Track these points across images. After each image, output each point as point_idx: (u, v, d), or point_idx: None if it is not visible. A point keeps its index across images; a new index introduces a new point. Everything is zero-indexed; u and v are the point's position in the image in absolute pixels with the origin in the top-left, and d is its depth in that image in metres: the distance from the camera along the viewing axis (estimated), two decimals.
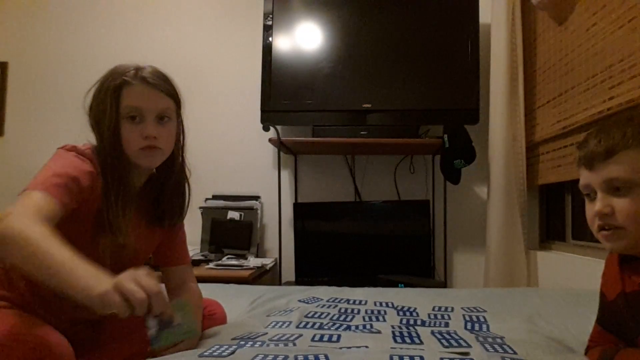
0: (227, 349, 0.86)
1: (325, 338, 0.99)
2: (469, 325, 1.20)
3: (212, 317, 1.21)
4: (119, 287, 0.75)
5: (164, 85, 1.09)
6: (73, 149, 1.03)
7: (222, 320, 1.25)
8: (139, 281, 0.76)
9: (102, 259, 0.96)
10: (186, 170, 1.19)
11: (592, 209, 0.82)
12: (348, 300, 1.46)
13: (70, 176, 0.94)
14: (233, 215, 2.62)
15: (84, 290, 0.75)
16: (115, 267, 0.96)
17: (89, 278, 0.76)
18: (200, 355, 0.85)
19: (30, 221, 0.82)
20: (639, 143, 0.78)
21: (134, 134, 1.04)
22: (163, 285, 0.94)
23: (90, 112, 1.09)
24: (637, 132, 0.78)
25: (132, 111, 1.04)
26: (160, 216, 1.15)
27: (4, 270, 1.02)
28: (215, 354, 0.84)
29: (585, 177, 0.83)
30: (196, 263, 2.31)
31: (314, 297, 1.52)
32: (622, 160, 0.78)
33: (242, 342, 0.94)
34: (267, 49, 2.52)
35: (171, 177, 1.15)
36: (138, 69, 1.07)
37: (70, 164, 0.98)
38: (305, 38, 2.53)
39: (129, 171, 1.06)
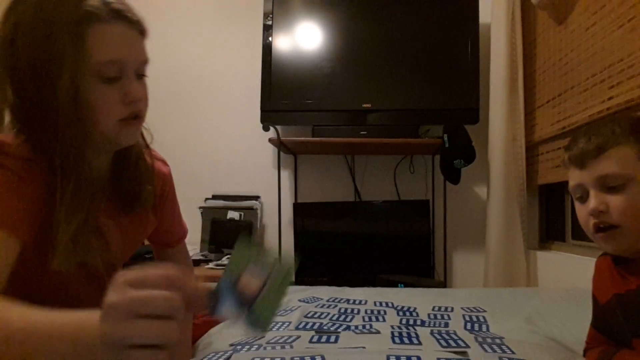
0: (222, 355, 0.85)
1: (323, 339, 0.99)
2: (468, 326, 1.20)
3: (210, 321, 1.17)
4: (121, 308, 0.43)
5: (143, 24, 0.77)
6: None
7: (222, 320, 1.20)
8: (137, 282, 0.44)
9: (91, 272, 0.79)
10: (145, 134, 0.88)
11: (584, 209, 0.82)
12: (348, 300, 1.46)
13: (17, 197, 0.67)
14: (233, 215, 2.62)
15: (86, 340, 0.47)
16: (108, 267, 0.83)
17: (75, 326, 0.48)
18: None
19: None
20: (628, 139, 0.78)
21: (111, 99, 0.71)
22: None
23: (17, 67, 0.67)
24: (625, 129, 0.79)
25: (111, 67, 0.70)
26: (131, 199, 0.87)
27: None
28: None
29: (577, 177, 0.83)
30: (196, 263, 2.31)
31: (314, 297, 1.52)
32: (614, 156, 0.78)
33: (239, 347, 0.94)
34: (267, 48, 2.51)
35: (133, 150, 0.85)
36: None
37: (8, 178, 0.66)
38: (305, 38, 2.53)
39: (88, 159, 0.73)
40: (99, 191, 0.79)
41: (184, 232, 1.13)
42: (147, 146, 0.89)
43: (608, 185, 0.79)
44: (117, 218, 0.88)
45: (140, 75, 0.76)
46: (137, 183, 0.87)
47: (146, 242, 1.11)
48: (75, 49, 0.66)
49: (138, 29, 0.76)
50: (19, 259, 0.68)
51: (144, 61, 0.76)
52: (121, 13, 0.71)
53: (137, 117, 0.76)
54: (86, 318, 0.46)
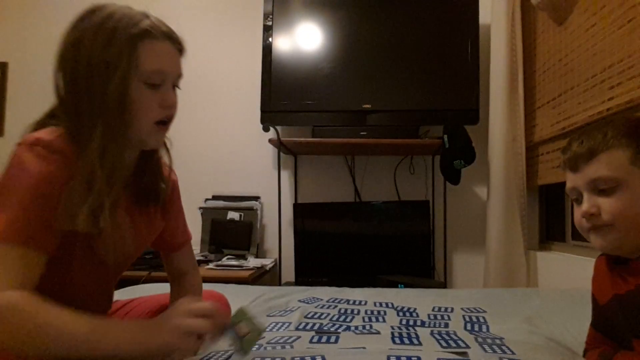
0: (222, 354, 0.85)
1: (324, 339, 0.99)
2: (468, 326, 1.20)
3: None
4: (183, 329, 0.72)
5: (183, 44, 0.90)
6: (37, 142, 0.78)
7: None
8: (193, 312, 0.73)
9: (104, 259, 0.87)
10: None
11: (579, 211, 0.83)
12: (348, 301, 1.47)
13: (41, 205, 0.74)
14: (233, 215, 2.62)
15: (140, 346, 0.71)
16: (117, 264, 0.93)
17: (137, 334, 0.72)
18: None
19: (8, 293, 0.68)
20: (620, 143, 0.79)
21: (152, 102, 0.83)
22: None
23: (79, 68, 0.79)
24: (618, 133, 0.80)
25: (156, 76, 0.82)
26: (148, 197, 0.97)
27: None
28: (212, 359, 0.83)
29: (571, 180, 0.85)
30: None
31: (314, 297, 1.52)
32: (605, 160, 0.79)
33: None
34: (267, 49, 2.52)
35: (155, 153, 0.96)
36: (150, 17, 0.84)
37: (34, 182, 0.75)
38: (305, 38, 2.53)
39: (126, 153, 0.85)
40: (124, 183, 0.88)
41: (188, 237, 1.17)
42: (168, 150, 0.98)
43: (599, 188, 0.80)
44: (133, 215, 0.94)
45: (174, 87, 0.88)
46: (156, 180, 0.97)
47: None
48: (129, 56, 0.79)
49: (179, 48, 0.89)
50: None
51: (180, 75, 0.89)
52: (168, 34, 0.86)
53: (167, 122, 0.87)
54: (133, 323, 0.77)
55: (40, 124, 0.88)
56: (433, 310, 1.38)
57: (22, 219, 0.73)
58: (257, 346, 0.93)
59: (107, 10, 0.82)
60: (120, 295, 1.34)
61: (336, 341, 0.98)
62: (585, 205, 0.81)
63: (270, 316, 1.28)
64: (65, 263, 0.86)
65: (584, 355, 0.95)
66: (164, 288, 1.42)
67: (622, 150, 0.79)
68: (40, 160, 0.77)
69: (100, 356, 0.70)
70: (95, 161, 0.78)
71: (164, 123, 0.87)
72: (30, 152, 0.78)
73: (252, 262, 2.35)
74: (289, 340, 0.98)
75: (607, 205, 0.79)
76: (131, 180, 0.93)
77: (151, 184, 0.97)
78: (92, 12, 0.83)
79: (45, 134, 0.81)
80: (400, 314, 1.32)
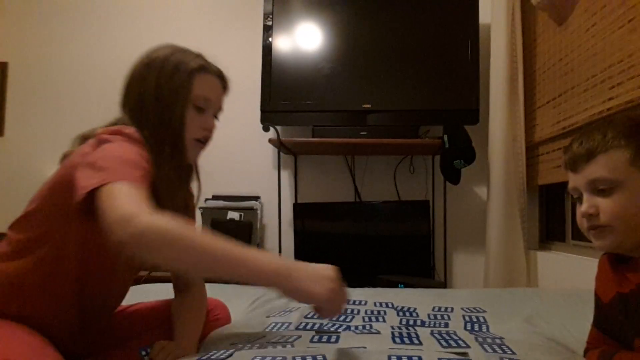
0: (224, 352, 0.85)
1: (324, 339, 0.99)
2: (468, 326, 1.20)
3: (217, 322, 1.19)
4: (340, 289, 0.78)
5: (228, 84, 1.10)
6: (118, 132, 0.92)
7: (226, 323, 1.23)
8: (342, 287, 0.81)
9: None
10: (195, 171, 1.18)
11: (580, 211, 0.84)
12: (348, 301, 1.46)
13: (134, 160, 0.87)
14: (233, 215, 2.62)
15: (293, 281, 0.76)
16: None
17: (281, 264, 0.77)
18: None
19: (152, 215, 0.75)
20: (619, 144, 0.79)
21: (195, 123, 1.01)
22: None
23: (147, 89, 0.98)
24: (617, 134, 0.80)
25: (202, 101, 1.01)
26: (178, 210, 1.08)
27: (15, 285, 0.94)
28: (213, 357, 0.83)
29: (572, 180, 0.86)
30: None
31: None
32: (603, 161, 0.80)
33: (240, 345, 0.94)
34: (267, 49, 2.52)
35: (188, 171, 1.13)
36: (204, 56, 1.06)
37: (131, 151, 0.89)
38: (305, 38, 2.53)
39: (184, 159, 1.01)
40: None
41: None
42: (198, 173, 1.17)
43: (598, 189, 0.81)
44: None
45: (215, 117, 1.07)
46: (189, 196, 1.14)
47: None
48: (189, 84, 0.99)
49: (224, 85, 1.09)
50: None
51: (220, 108, 1.08)
52: (218, 72, 1.06)
53: (204, 142, 1.05)
54: (281, 264, 0.77)
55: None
56: (433, 310, 1.38)
57: (123, 165, 0.84)
58: (257, 345, 0.93)
59: (169, 49, 1.03)
60: None
61: (336, 341, 0.98)
62: (584, 206, 0.82)
63: (270, 317, 1.28)
64: (101, 248, 0.92)
65: (584, 355, 0.95)
66: (163, 288, 1.42)
67: (621, 151, 0.79)
68: (127, 141, 0.92)
69: (242, 276, 0.76)
70: (161, 158, 0.95)
71: (201, 142, 1.05)
72: (116, 136, 0.91)
73: None
74: (290, 340, 0.98)
75: (605, 206, 0.80)
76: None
77: (183, 199, 1.09)
78: (156, 50, 1.04)
79: (124, 128, 0.94)
80: (400, 313, 1.32)
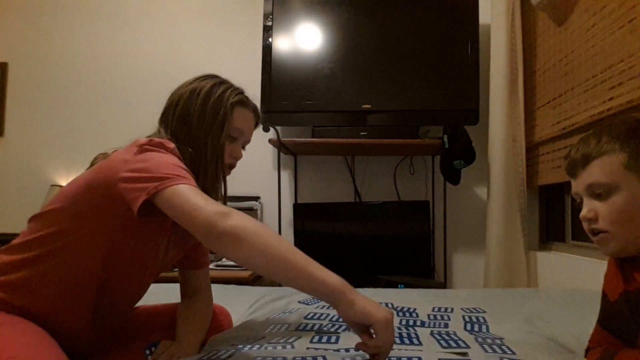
0: (225, 352, 0.85)
1: (324, 339, 0.99)
2: (468, 326, 1.20)
3: (220, 329, 1.19)
4: (390, 319, 0.77)
5: (260, 119, 1.20)
6: (161, 145, 0.97)
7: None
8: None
9: (159, 253, 1.03)
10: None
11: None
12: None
13: (186, 171, 0.93)
14: None
15: (356, 307, 0.77)
16: (160, 264, 1.07)
17: (346, 285, 0.79)
18: None
19: (233, 215, 0.81)
20: (613, 148, 0.80)
21: (228, 150, 1.10)
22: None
23: (192, 113, 1.06)
24: (612, 138, 0.81)
25: (237, 133, 1.10)
26: None
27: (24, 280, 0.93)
28: (213, 357, 0.83)
29: (573, 185, 0.88)
30: None
31: (313, 298, 1.52)
32: (598, 166, 0.82)
33: (241, 346, 0.94)
34: (267, 49, 2.52)
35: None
36: (243, 91, 1.15)
37: (177, 161, 0.94)
38: (305, 39, 2.53)
39: (214, 181, 1.09)
40: None
41: (208, 260, 1.26)
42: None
43: (596, 193, 0.82)
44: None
45: (243, 147, 1.16)
46: None
47: None
48: (229, 116, 1.07)
49: (257, 121, 1.18)
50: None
51: (249, 140, 1.17)
52: (254, 108, 1.16)
53: (232, 167, 1.15)
54: (346, 291, 0.79)
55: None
56: (433, 310, 1.37)
57: (176, 170, 0.90)
58: (257, 346, 0.93)
59: (216, 80, 1.12)
60: None
61: (336, 341, 0.98)
62: (583, 210, 0.84)
63: (270, 318, 1.27)
64: (132, 253, 0.98)
65: (586, 354, 0.95)
66: (165, 288, 1.42)
67: (616, 155, 0.80)
68: (167, 154, 0.96)
69: (310, 289, 0.80)
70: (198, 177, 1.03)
71: (229, 167, 1.14)
72: (157, 148, 0.96)
73: None
74: (290, 340, 0.98)
75: (603, 210, 0.82)
76: None
77: None
78: (204, 78, 1.11)
79: (165, 142, 1.00)
80: (400, 314, 1.32)
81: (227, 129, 1.07)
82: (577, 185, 0.86)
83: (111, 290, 0.99)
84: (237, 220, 0.80)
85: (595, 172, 0.81)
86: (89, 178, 0.95)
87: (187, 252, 1.18)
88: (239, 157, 1.14)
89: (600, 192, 0.82)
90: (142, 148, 0.95)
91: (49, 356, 0.83)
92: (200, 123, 1.05)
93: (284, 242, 0.81)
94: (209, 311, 1.16)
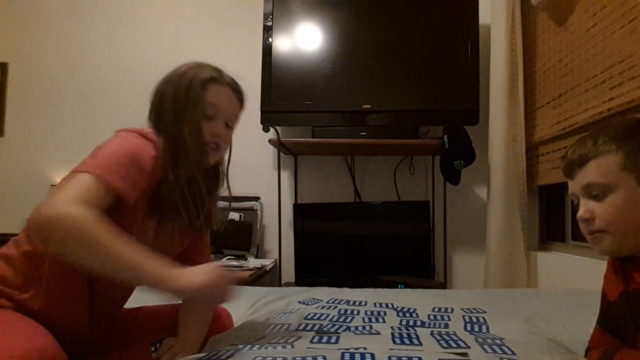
0: (225, 352, 0.85)
1: (324, 339, 0.99)
2: (468, 326, 1.20)
3: (221, 330, 1.19)
4: (220, 277, 0.85)
5: (242, 97, 1.16)
6: (135, 131, 1.00)
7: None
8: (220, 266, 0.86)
9: (146, 238, 1.02)
10: (226, 181, 1.24)
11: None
12: (348, 301, 1.46)
13: (130, 158, 0.92)
14: (233, 216, 2.62)
15: (171, 283, 0.82)
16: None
17: (173, 269, 0.83)
18: None
19: (81, 208, 0.80)
20: (610, 148, 0.81)
21: (205, 129, 1.06)
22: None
23: (165, 100, 1.06)
24: (608, 139, 0.81)
25: (212, 109, 1.06)
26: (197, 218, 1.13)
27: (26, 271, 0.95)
28: (213, 358, 0.83)
29: (570, 186, 0.88)
30: None
31: (313, 299, 1.52)
32: (594, 166, 0.82)
33: (241, 346, 0.94)
34: (267, 49, 2.52)
35: (215, 182, 1.20)
36: (221, 71, 1.11)
37: (132, 146, 0.95)
38: (305, 39, 2.53)
39: (198, 163, 1.07)
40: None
41: (208, 260, 1.26)
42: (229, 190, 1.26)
43: (592, 194, 0.83)
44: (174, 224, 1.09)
45: (228, 126, 1.11)
46: (209, 211, 1.16)
47: None
48: (201, 94, 1.04)
49: (238, 97, 1.14)
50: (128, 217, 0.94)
51: (235, 117, 1.13)
52: (231, 83, 1.12)
53: (216, 147, 1.09)
54: (167, 272, 0.83)
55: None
56: (433, 310, 1.37)
57: (111, 165, 0.89)
58: (258, 346, 0.93)
59: (189, 65, 1.09)
60: None
61: (337, 341, 0.98)
62: (580, 211, 0.84)
63: (270, 318, 1.27)
64: None
65: (586, 354, 0.95)
66: None
67: (612, 156, 0.80)
68: (138, 137, 0.99)
69: (133, 279, 0.85)
70: (178, 159, 1.01)
71: (212, 148, 1.08)
72: (129, 134, 0.99)
73: (252, 262, 2.35)
74: (290, 341, 0.98)
75: (599, 210, 0.82)
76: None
77: (209, 209, 1.15)
78: (179, 67, 1.09)
79: (143, 129, 1.04)
80: (400, 314, 1.32)
81: (201, 107, 1.04)
82: (574, 186, 0.86)
83: (101, 280, 0.97)
84: (65, 210, 0.78)
85: (592, 172, 0.82)
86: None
87: (187, 251, 1.17)
88: (220, 134, 1.08)
89: (597, 193, 0.82)
90: (116, 133, 0.99)
91: (50, 353, 0.82)
92: (174, 107, 1.04)
93: (112, 236, 0.80)
94: (210, 310, 1.16)
